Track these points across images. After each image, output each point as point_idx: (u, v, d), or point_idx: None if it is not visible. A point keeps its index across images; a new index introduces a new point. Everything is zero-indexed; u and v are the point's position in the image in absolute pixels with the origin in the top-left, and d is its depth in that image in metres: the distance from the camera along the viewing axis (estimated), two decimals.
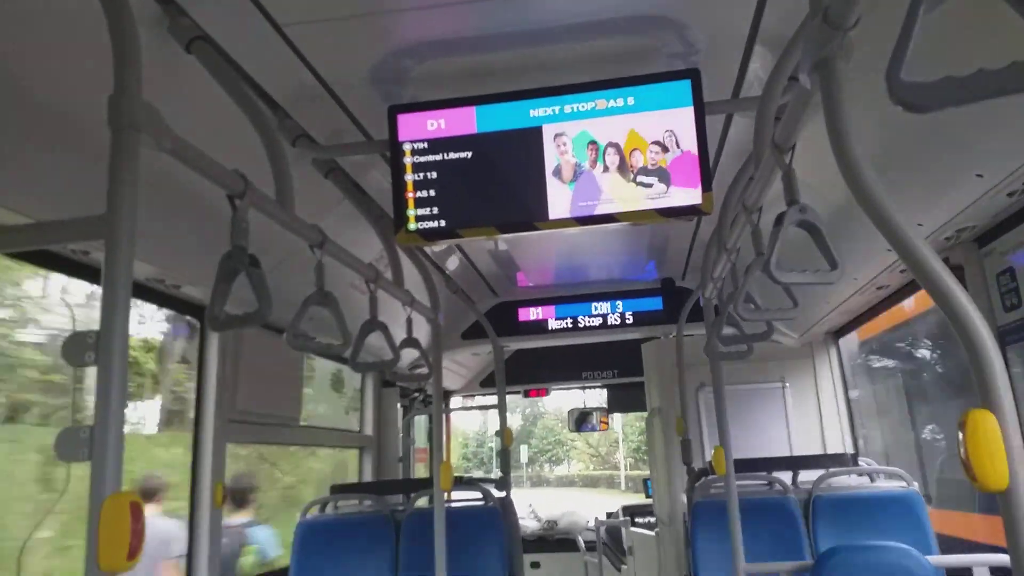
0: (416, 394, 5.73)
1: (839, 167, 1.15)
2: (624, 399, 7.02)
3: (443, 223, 2.24)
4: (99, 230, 1.20)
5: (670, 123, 2.13)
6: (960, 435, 1.00)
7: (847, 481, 3.86)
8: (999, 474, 0.98)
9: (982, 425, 0.99)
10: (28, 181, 1.91)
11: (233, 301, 1.83)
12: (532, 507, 8.85)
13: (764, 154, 1.82)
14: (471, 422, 49.44)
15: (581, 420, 7.96)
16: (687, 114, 2.12)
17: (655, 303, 4.99)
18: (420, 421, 6.33)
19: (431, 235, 2.26)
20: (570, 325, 5.02)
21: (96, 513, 1.08)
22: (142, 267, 2.43)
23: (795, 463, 3.94)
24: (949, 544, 3.56)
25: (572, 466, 53.17)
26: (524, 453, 50.09)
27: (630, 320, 4.99)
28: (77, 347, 1.15)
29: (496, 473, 4.42)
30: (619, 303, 5.00)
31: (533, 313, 5.08)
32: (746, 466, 3.64)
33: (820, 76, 1.20)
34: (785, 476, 3.80)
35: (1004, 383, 1.02)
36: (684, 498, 4.30)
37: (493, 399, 7.09)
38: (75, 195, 1.99)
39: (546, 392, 6.74)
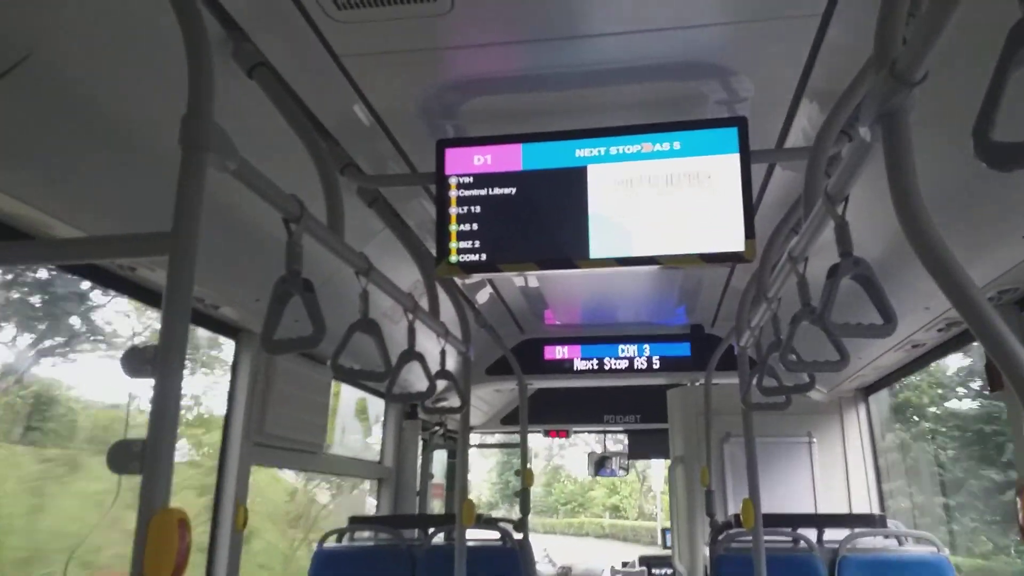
0: (436, 428, 5.70)
1: (900, 221, 1.13)
2: (645, 445, 6.92)
3: (484, 256, 2.26)
4: (164, 246, 1.21)
5: (715, 170, 2.15)
6: (1019, 501, 0.97)
7: (873, 543, 3.75)
8: None
9: None
10: (84, 197, 1.95)
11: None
12: (547, 551, 8.71)
13: (815, 204, 1.81)
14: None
15: (600, 464, 7.87)
16: (733, 161, 2.13)
17: (683, 349, 4.91)
18: (437, 456, 6.27)
19: (471, 268, 2.28)
20: (596, 366, 4.95)
21: (143, 528, 1.05)
22: None
23: (822, 521, 3.84)
24: None
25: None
26: None
27: (657, 365, 4.91)
28: (136, 360, 1.15)
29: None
30: (647, 347, 4.93)
31: (559, 352, 5.03)
32: (772, 521, 3.55)
33: (884, 129, 1.20)
34: (810, 534, 3.70)
35: None
36: (706, 550, 4.20)
37: (512, 437, 7.04)
38: (127, 212, 2.04)
39: (567, 434, 6.66)
